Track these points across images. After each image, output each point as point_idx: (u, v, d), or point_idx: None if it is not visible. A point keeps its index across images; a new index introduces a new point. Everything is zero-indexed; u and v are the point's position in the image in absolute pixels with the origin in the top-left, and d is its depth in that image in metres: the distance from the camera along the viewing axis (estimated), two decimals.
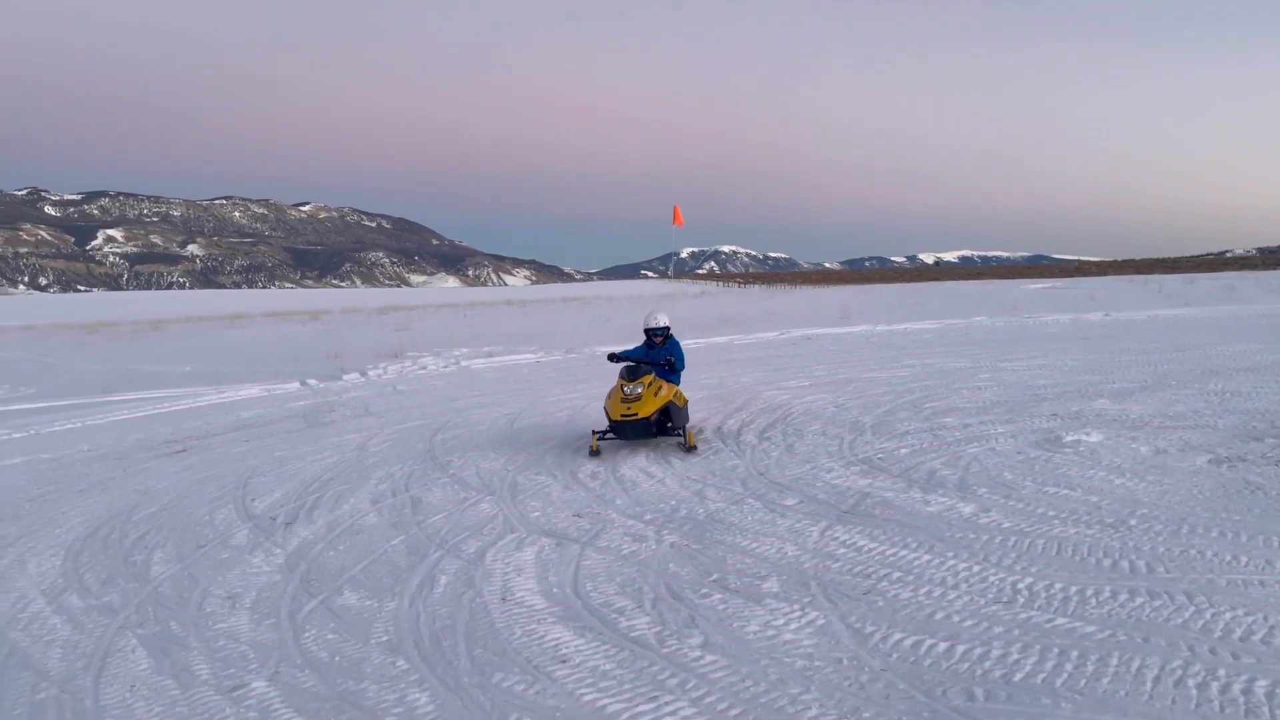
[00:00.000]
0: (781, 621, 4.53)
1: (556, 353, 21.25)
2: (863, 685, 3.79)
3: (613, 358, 9.86)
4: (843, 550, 5.62)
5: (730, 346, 22.07)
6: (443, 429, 11.01)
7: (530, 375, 17.10)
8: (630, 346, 11.14)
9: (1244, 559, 5.01)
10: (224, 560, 6.21)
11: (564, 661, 4.20)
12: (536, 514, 6.89)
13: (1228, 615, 4.25)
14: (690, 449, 8.89)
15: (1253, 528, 5.55)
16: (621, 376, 9.09)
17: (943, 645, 4.13)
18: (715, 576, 5.26)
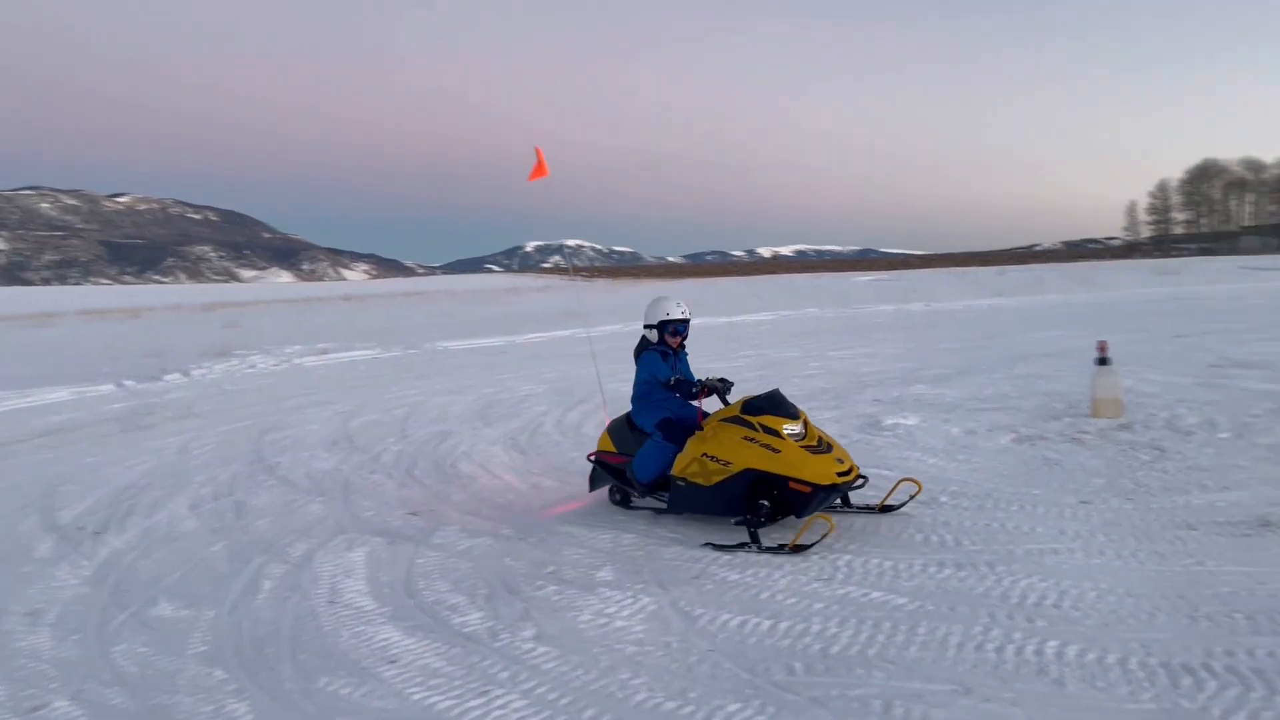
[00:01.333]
0: (614, 609, 4.59)
1: (395, 349, 20.73)
2: (690, 666, 3.88)
3: (687, 386, 6.11)
4: (675, 537, 5.74)
5: (574, 340, 22.10)
6: (273, 429, 10.56)
7: (368, 372, 16.63)
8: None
9: (1039, 529, 5.42)
10: (25, 574, 5.75)
11: (393, 662, 4.12)
12: (370, 514, 6.72)
13: (1024, 583, 4.59)
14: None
15: (1048, 500, 6.02)
16: (753, 410, 5.68)
17: (767, 623, 4.28)
18: (551, 569, 5.28)
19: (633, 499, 6.36)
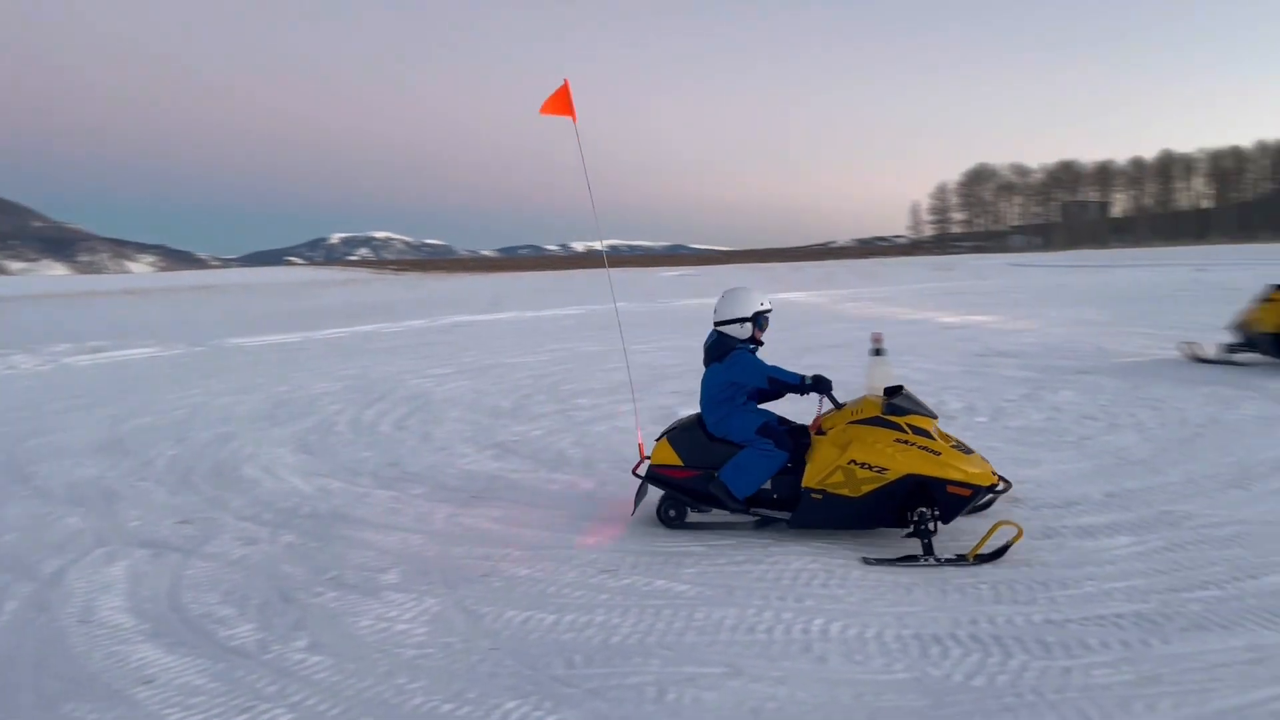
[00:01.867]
0: (396, 613, 4.46)
1: (179, 346, 19.42)
2: (471, 666, 3.83)
3: (791, 385, 5.39)
4: (467, 535, 5.66)
5: (377, 335, 21.45)
6: (32, 435, 9.63)
7: (147, 372, 15.45)
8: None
9: None
10: None
11: (149, 682, 3.83)
12: (135, 524, 6.23)
13: (796, 565, 4.81)
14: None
15: None
16: (897, 411, 5.23)
17: (551, 618, 4.29)
18: (332, 574, 5.07)
19: (688, 515, 5.59)
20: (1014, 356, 12.36)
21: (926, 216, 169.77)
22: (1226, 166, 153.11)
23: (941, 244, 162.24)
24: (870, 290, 33.33)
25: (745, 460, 5.32)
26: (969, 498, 4.96)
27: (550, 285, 48.46)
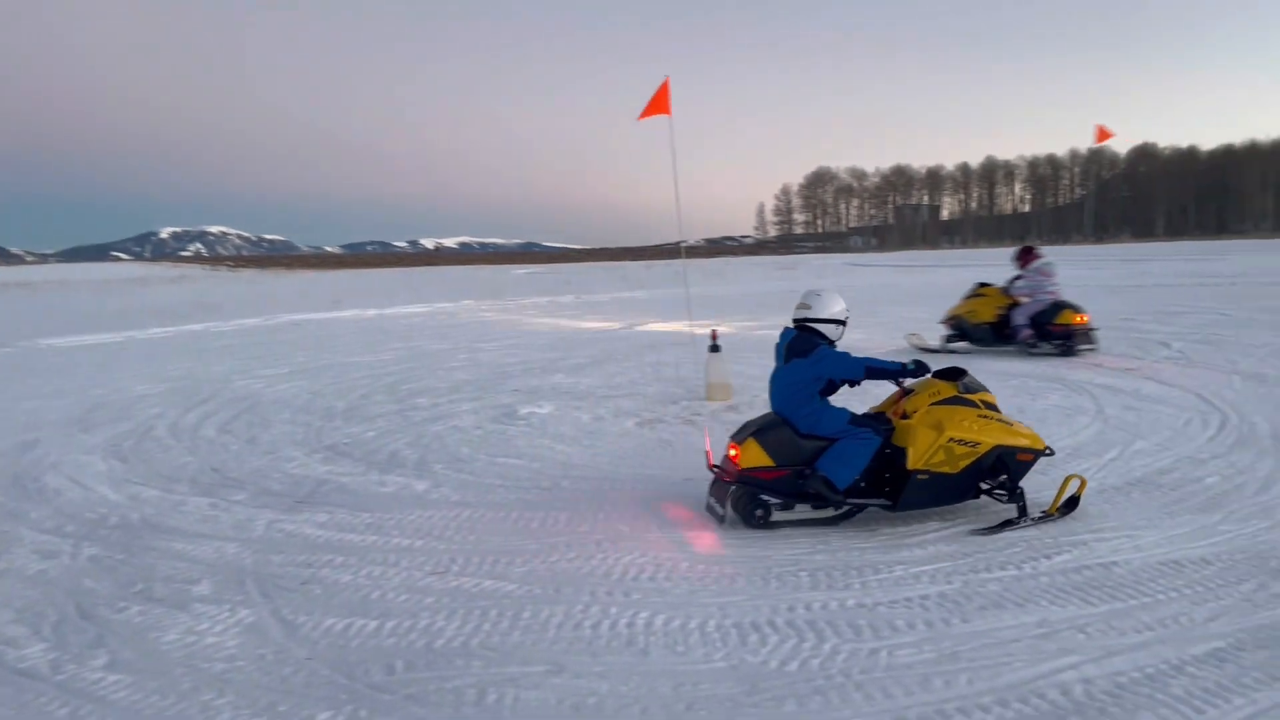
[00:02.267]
0: (206, 625, 4.24)
1: None
2: (285, 678, 3.68)
3: (919, 366, 5.54)
4: (288, 541, 5.44)
5: (206, 334, 20.41)
6: None
7: None
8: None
9: (647, 508, 5.78)
10: None
11: None
12: None
13: (626, 559, 4.85)
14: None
15: (658, 479, 6.47)
16: (970, 389, 5.53)
17: (373, 624, 4.17)
18: (139, 587, 4.78)
19: (773, 515, 5.37)
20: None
21: (771, 218, 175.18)
22: (1043, 173, 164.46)
23: (786, 244, 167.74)
24: (718, 289, 34.06)
25: (844, 451, 5.27)
26: (1032, 462, 5.36)
27: (395, 282, 47.33)
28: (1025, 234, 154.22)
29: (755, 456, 5.31)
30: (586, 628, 4.02)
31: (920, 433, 5.27)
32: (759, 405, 8.90)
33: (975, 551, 4.78)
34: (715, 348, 9.51)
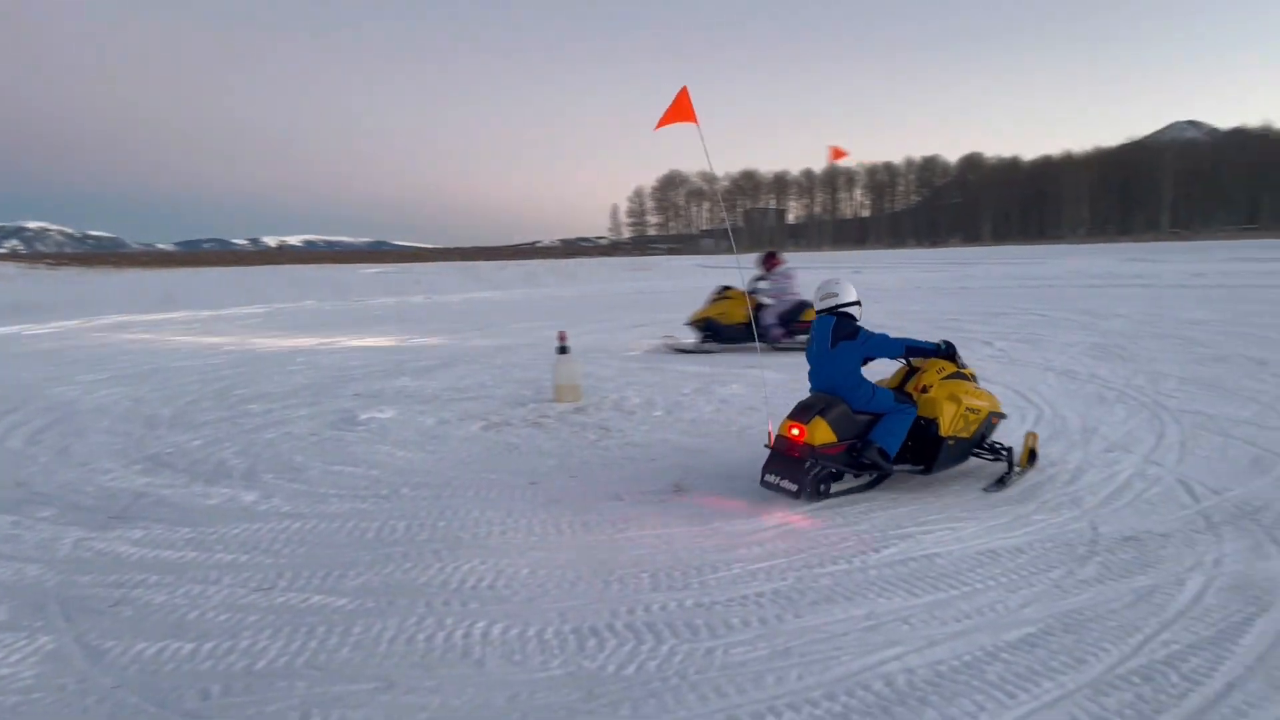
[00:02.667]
0: (1, 655, 3.88)
1: None
2: (86, 709, 3.40)
3: (949, 346, 6.31)
4: (97, 561, 5.05)
5: (19, 338, 18.90)
6: None
7: None
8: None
9: (489, 513, 5.65)
10: None
11: None
12: None
13: (465, 568, 4.73)
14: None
15: (502, 483, 6.32)
16: (961, 364, 6.34)
17: (189, 647, 3.91)
18: None
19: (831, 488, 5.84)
20: (692, 353, 13.10)
21: (625, 219, 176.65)
22: (881, 180, 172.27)
23: (639, 245, 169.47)
24: (571, 290, 34.01)
25: (894, 424, 5.89)
26: (998, 423, 6.30)
27: (233, 281, 45.15)
28: (865, 238, 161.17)
29: (823, 434, 5.74)
30: (420, 641, 3.89)
31: (944, 405, 5.98)
32: (606, 407, 8.91)
33: (809, 547, 4.89)
34: (564, 349, 9.45)
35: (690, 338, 13.60)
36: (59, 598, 4.53)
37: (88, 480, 6.80)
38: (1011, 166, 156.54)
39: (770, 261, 13.41)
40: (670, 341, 13.70)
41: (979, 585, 4.27)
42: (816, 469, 5.67)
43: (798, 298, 12.99)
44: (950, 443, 5.95)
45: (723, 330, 13.03)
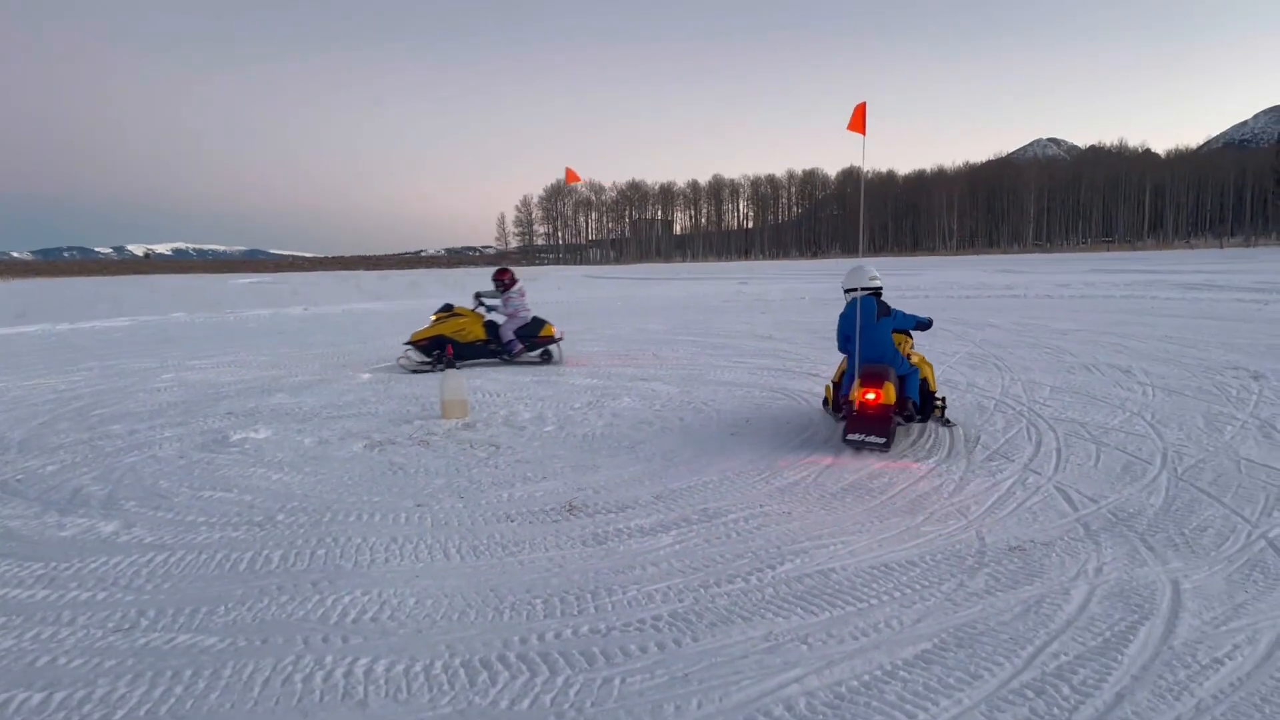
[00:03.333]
0: None
1: None
2: None
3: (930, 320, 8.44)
4: None
5: None
6: None
7: None
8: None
9: (373, 539, 5.37)
10: None
11: None
12: None
13: (346, 599, 4.46)
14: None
15: (386, 506, 6.04)
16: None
17: (39, 697, 3.55)
18: None
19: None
20: (582, 366, 12.96)
21: (513, 229, 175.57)
22: (764, 192, 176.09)
23: (527, 255, 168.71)
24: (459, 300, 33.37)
25: (914, 383, 7.54)
26: None
27: (96, 292, 42.67)
28: (749, 248, 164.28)
29: (890, 395, 7.11)
30: (298, 682, 3.63)
31: (926, 369, 7.86)
32: (495, 422, 8.70)
33: (705, 566, 4.81)
34: (450, 363, 9.19)
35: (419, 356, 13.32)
36: None
37: None
38: (888, 180, 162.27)
39: (505, 279, 13.73)
40: (404, 362, 13.31)
41: (874, 600, 4.27)
42: (892, 423, 7.01)
43: (530, 314, 13.57)
44: (938, 399, 7.81)
45: (462, 347, 13.12)
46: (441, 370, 12.28)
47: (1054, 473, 6.40)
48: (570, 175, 12.55)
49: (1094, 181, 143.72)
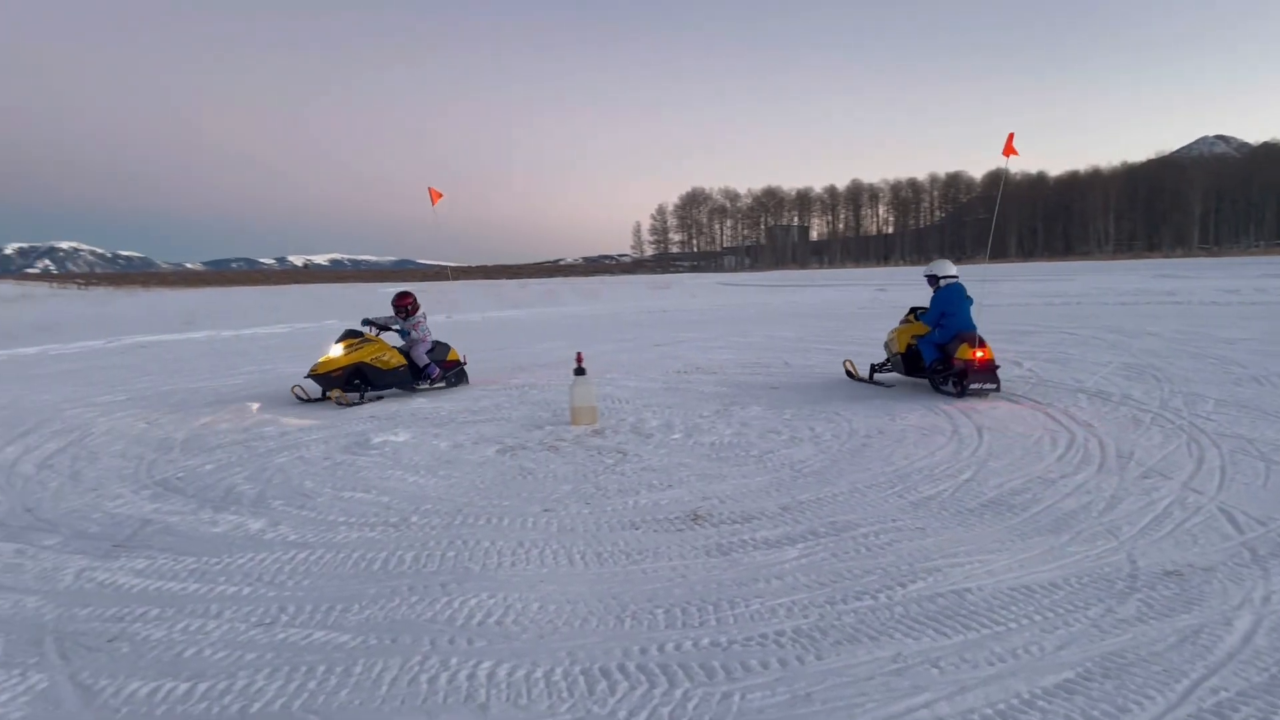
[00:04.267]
0: None
1: None
2: None
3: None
4: (98, 593, 4.91)
5: (42, 358, 18.97)
6: None
7: None
8: None
9: (500, 543, 5.46)
10: None
11: None
12: None
13: (473, 602, 4.54)
14: None
15: (515, 511, 6.14)
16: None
17: (184, 686, 3.75)
18: None
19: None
20: (711, 373, 12.89)
21: (648, 237, 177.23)
22: (905, 196, 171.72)
23: (662, 263, 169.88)
24: (592, 309, 33.88)
25: (928, 350, 10.57)
26: None
27: (257, 301, 45.43)
28: (889, 255, 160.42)
29: (990, 352, 9.88)
30: (423, 682, 3.70)
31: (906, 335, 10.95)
32: (623, 430, 8.73)
33: (832, 581, 4.67)
34: (580, 370, 9.29)
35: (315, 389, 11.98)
36: (56, 632, 4.39)
37: (96, 506, 6.69)
38: (1038, 182, 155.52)
39: (405, 302, 12.47)
40: (298, 392, 12.07)
41: (1012, 624, 4.03)
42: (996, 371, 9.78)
43: (432, 337, 12.67)
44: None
45: (383, 375, 11.79)
46: (367, 400, 11.65)
47: (1217, 492, 5.93)
48: (434, 194, 12.69)
49: (1268, 180, 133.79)
